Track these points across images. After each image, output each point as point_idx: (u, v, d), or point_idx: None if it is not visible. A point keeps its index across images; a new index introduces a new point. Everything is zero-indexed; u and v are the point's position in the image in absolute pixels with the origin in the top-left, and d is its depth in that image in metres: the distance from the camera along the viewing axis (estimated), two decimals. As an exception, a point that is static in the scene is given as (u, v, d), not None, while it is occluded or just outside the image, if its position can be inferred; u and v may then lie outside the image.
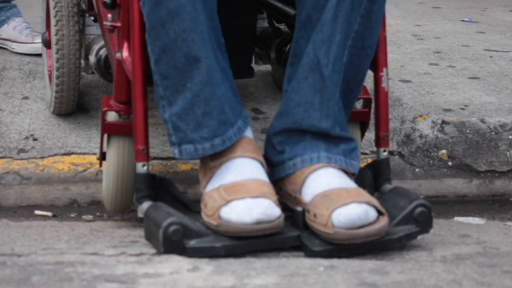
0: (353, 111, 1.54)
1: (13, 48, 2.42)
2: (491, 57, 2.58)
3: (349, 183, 1.39)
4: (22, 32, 2.42)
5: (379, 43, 1.51)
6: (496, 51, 2.67)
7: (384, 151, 1.53)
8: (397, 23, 3.10)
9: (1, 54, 2.41)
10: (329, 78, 1.41)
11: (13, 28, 2.43)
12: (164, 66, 1.41)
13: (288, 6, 1.64)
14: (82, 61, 1.89)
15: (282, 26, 1.90)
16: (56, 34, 1.86)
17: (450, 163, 1.90)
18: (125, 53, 1.46)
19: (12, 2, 2.55)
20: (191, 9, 1.37)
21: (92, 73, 1.90)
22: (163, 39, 1.39)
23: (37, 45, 2.34)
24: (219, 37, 1.45)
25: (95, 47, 1.79)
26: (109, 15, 1.56)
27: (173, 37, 1.38)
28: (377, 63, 1.52)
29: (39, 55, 2.34)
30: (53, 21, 1.88)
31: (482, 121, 1.90)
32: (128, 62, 1.45)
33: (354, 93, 1.51)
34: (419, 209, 1.36)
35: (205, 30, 1.40)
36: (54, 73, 1.89)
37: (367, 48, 1.47)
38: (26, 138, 1.84)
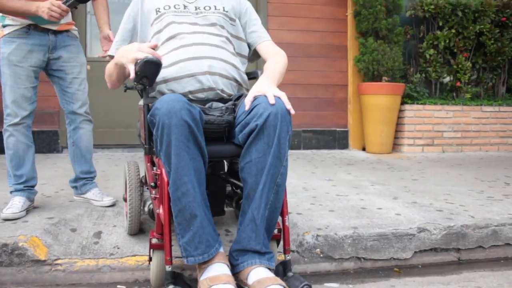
0: (273, 235, 1.70)
1: (93, 203, 2.53)
2: (339, 198, 2.71)
3: (271, 274, 1.56)
4: (97, 195, 2.53)
5: (283, 203, 1.67)
6: (341, 195, 2.80)
7: (288, 255, 1.70)
8: (294, 182, 3.19)
9: (93, 206, 2.49)
10: (259, 225, 1.59)
11: (93, 194, 2.55)
12: (179, 219, 1.55)
13: (240, 184, 1.74)
14: (142, 208, 2.01)
15: (238, 191, 1.97)
16: (129, 195, 1.99)
17: (321, 255, 2.02)
18: (161, 210, 1.61)
19: (94, 181, 2.63)
20: (193, 191, 1.53)
21: (146, 215, 1.99)
22: (179, 205, 1.54)
23: (105, 202, 2.50)
24: (206, 200, 1.59)
25: (148, 203, 1.93)
26: (154, 191, 1.76)
27: (184, 205, 1.53)
28: (283, 213, 1.69)
29: (109, 206, 2.48)
30: (128, 189, 2.00)
31: (335, 233, 2.06)
32: (162, 214, 1.61)
33: (272, 227, 1.66)
34: (305, 286, 1.56)
35: (200, 199, 1.55)
36: (128, 213, 2.00)
37: (278, 208, 1.63)
38: (114, 247, 1.97)
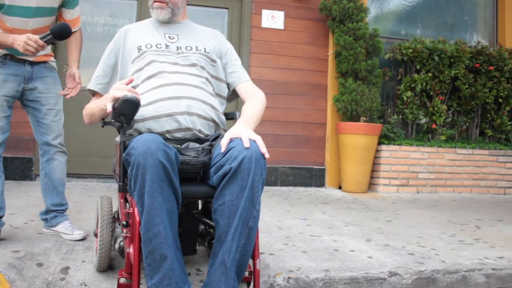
0: (243, 277, 1.67)
1: (63, 236, 2.48)
2: (312, 239, 2.69)
3: None
4: (68, 229, 2.48)
5: (255, 246, 1.66)
6: (315, 236, 2.79)
7: None
8: (268, 220, 3.18)
9: (63, 240, 2.44)
10: (229, 269, 1.57)
11: (63, 227, 2.50)
12: (149, 260, 1.53)
13: (213, 224, 1.71)
14: (112, 245, 1.97)
15: (211, 230, 1.97)
16: (100, 231, 1.96)
17: None
18: (131, 250, 1.61)
19: (65, 214, 2.58)
20: (164, 232, 1.51)
21: (116, 252, 1.94)
22: (150, 246, 1.51)
23: (76, 236, 2.44)
24: (178, 241, 1.57)
25: (119, 240, 1.90)
26: (125, 230, 1.72)
27: (154, 246, 1.51)
28: (254, 255, 1.67)
29: (79, 240, 2.43)
30: (99, 224, 1.97)
31: (307, 276, 2.04)
32: (131, 254, 1.60)
33: (242, 270, 1.64)
34: None
35: (171, 241, 1.53)
36: (98, 249, 1.96)
37: (249, 251, 1.62)
38: (81, 284, 1.91)
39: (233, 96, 2.14)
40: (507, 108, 5.74)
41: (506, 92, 5.67)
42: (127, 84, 1.71)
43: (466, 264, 2.37)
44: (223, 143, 1.69)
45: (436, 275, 2.24)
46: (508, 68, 5.69)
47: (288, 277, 2.06)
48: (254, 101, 1.95)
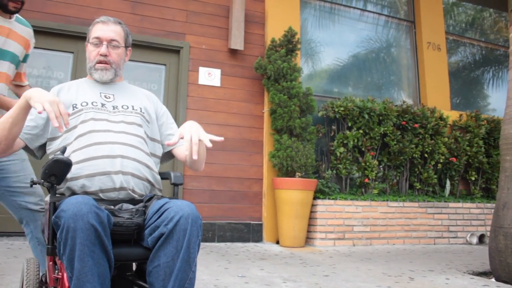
0: None
1: None
2: None
3: None
4: None
5: None
6: None
7: None
8: (206, 278, 3.04)
9: None
10: None
11: None
12: None
13: (147, 287, 1.64)
14: None
15: None
16: None
17: None
18: None
19: None
20: None
21: None
22: None
23: None
24: None
25: None
26: None
27: None
28: None
29: None
30: None
31: None
32: None
33: None
34: None
35: None
36: None
37: None
38: None
39: (167, 157, 2.14)
40: (432, 163, 6.08)
41: (430, 148, 6.03)
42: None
43: (401, 318, 2.41)
44: (176, 136, 1.69)
45: (372, 330, 2.26)
46: (431, 126, 6.08)
47: None
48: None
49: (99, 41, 2.00)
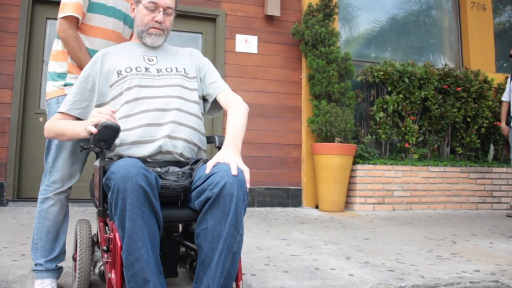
0: None
1: None
2: (293, 259, 2.69)
3: None
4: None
5: (238, 269, 1.63)
6: (295, 255, 2.75)
7: None
8: (248, 241, 3.13)
9: None
10: None
11: None
12: (132, 284, 1.51)
13: (194, 247, 1.72)
14: (92, 269, 1.93)
15: (192, 253, 1.94)
16: (79, 255, 1.92)
17: None
18: (113, 275, 1.59)
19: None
20: (146, 256, 1.50)
21: (96, 276, 1.92)
22: (132, 271, 1.50)
23: None
24: (160, 265, 1.55)
25: (98, 264, 1.88)
26: (106, 255, 1.68)
27: (137, 270, 1.50)
28: (237, 278, 1.65)
29: None
30: (78, 248, 1.93)
31: None
32: (114, 279, 1.58)
33: None
34: None
35: (153, 264, 1.52)
36: (77, 275, 1.91)
37: (233, 275, 1.60)
38: None
39: (213, 108, 2.11)
40: (475, 127, 5.89)
41: (473, 112, 5.83)
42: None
43: (445, 279, 2.39)
44: (209, 165, 1.67)
45: (416, 290, 2.25)
46: (474, 89, 5.86)
47: (273, 297, 2.03)
48: (236, 113, 1.90)
49: (155, 7, 1.98)
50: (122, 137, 1.78)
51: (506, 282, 2.46)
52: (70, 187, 2.14)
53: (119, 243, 1.55)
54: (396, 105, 5.49)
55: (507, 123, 5.37)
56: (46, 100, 2.19)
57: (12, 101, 4.73)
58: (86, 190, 2.54)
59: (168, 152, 1.84)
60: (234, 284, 1.67)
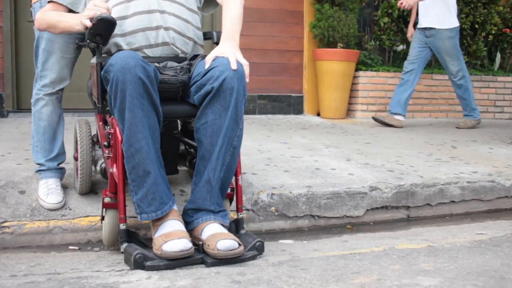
0: (226, 194, 1.73)
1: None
2: (294, 160, 2.73)
3: (224, 230, 1.60)
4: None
5: (238, 163, 1.70)
6: (296, 157, 2.82)
7: (240, 214, 1.76)
8: (249, 144, 3.15)
9: None
10: (214, 186, 1.61)
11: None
12: (133, 175, 1.55)
13: (194, 144, 1.76)
14: (93, 168, 1.97)
15: (192, 150, 1.96)
16: (80, 153, 1.93)
17: (276, 213, 2.07)
18: (115, 169, 1.62)
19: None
20: (146, 148, 1.53)
21: (98, 174, 1.96)
22: (132, 162, 1.53)
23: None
24: (160, 158, 1.59)
25: (99, 162, 1.91)
26: (107, 150, 1.74)
27: (137, 161, 1.53)
28: (236, 172, 1.70)
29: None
30: (79, 147, 1.94)
31: (290, 192, 2.11)
32: (115, 173, 1.61)
33: (226, 187, 1.70)
34: (258, 243, 1.61)
35: (153, 156, 1.55)
36: (79, 173, 1.95)
37: (233, 169, 1.66)
38: (66, 208, 1.95)
39: (209, 5, 2.04)
40: (483, 34, 5.71)
41: (482, 18, 5.62)
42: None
43: (443, 178, 2.45)
44: (208, 59, 1.65)
45: (415, 188, 2.32)
46: (485, -7, 5.61)
47: (272, 194, 2.12)
48: (230, 5, 1.83)
49: None
50: (116, 27, 1.72)
51: (502, 182, 2.54)
52: (62, 89, 2.14)
53: (119, 137, 1.56)
54: (401, 10, 5.29)
55: None
56: (31, 5, 2.17)
57: (3, 9, 4.54)
58: (83, 100, 2.51)
59: (164, 43, 1.80)
60: (233, 179, 1.74)
